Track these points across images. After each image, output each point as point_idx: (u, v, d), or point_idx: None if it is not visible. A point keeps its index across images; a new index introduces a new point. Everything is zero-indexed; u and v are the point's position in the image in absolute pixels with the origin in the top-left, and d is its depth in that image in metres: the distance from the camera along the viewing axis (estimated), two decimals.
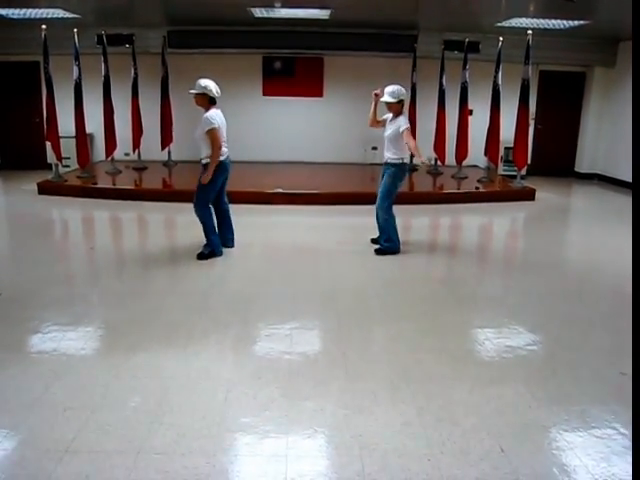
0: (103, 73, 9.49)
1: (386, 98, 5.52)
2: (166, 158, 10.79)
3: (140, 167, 10.38)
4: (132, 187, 9.11)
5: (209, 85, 5.21)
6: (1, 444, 2.49)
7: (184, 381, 3.10)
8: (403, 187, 6.01)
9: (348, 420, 2.74)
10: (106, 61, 9.48)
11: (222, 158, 5.34)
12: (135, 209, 8.07)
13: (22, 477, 2.28)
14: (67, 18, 9.06)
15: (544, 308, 4.48)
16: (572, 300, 4.68)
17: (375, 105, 5.79)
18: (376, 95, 5.66)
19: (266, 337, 3.72)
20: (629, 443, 2.56)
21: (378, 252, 5.81)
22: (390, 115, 5.70)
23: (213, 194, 5.48)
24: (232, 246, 5.84)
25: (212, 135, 5.15)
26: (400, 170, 5.69)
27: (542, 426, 2.74)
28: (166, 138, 10.47)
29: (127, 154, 10.55)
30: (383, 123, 5.79)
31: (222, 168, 5.38)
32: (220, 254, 5.58)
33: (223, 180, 5.54)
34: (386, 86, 5.59)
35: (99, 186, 8.93)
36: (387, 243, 5.81)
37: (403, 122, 5.49)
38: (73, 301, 4.38)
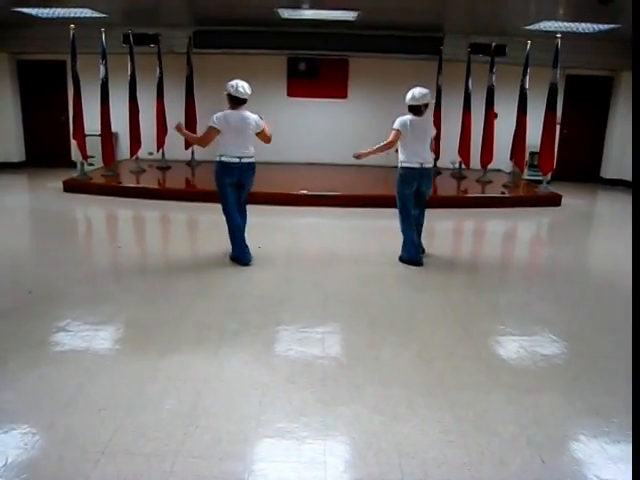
0: (129, 72, 9.55)
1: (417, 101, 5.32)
2: (189, 158, 10.82)
3: (164, 166, 10.44)
4: (156, 186, 9.18)
5: (230, 83, 5.09)
6: (38, 443, 2.49)
7: (217, 384, 3.08)
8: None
9: (385, 427, 2.70)
10: (132, 60, 9.54)
11: (227, 160, 5.10)
12: (159, 208, 8.09)
13: (61, 477, 2.27)
14: (94, 17, 9.14)
15: (577, 316, 4.40)
16: (604, 308, 4.60)
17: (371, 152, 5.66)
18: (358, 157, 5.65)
19: (298, 340, 3.68)
20: None
21: (400, 260, 5.66)
22: (409, 116, 5.40)
23: (225, 195, 5.21)
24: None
25: (206, 131, 5.11)
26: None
27: (583, 438, 2.68)
28: None
29: (151, 153, 10.59)
30: (397, 135, 5.43)
31: (224, 169, 5.13)
32: (243, 264, 5.27)
33: (235, 184, 5.23)
34: (412, 89, 5.39)
35: (123, 185, 8.98)
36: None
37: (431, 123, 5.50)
38: (102, 300, 4.39)
